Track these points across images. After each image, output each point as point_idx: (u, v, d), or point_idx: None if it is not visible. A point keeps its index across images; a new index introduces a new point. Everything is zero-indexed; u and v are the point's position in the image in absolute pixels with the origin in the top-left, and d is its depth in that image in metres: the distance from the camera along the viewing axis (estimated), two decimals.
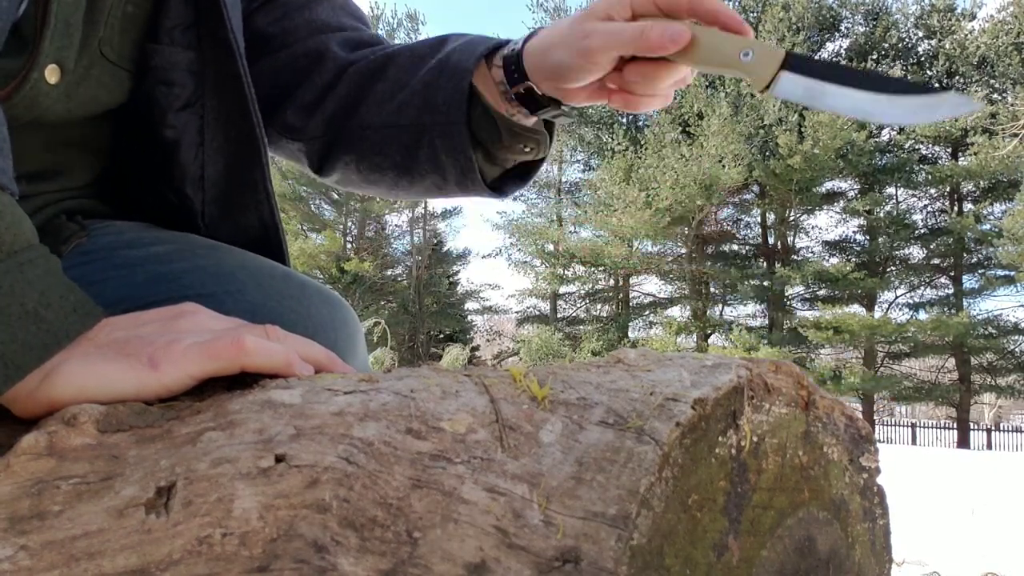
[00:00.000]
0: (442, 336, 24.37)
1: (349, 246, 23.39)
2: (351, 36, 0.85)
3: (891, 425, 23.74)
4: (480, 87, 0.75)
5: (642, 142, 21.01)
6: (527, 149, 0.78)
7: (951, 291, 21.19)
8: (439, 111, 0.75)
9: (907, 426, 23.44)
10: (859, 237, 22.09)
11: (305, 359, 0.49)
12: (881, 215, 20.92)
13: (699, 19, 0.66)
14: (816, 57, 0.63)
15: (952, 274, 21.23)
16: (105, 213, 0.73)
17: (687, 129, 20.56)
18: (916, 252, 21.73)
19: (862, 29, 21.49)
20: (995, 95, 19.76)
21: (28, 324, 0.41)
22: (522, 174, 0.84)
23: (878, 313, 20.84)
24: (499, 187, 0.83)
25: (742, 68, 0.64)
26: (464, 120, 0.75)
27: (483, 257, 32.30)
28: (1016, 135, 18.12)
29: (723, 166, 19.22)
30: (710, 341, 21.13)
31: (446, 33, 0.83)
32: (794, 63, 0.63)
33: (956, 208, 21.08)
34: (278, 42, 0.82)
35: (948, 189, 21.17)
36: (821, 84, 0.63)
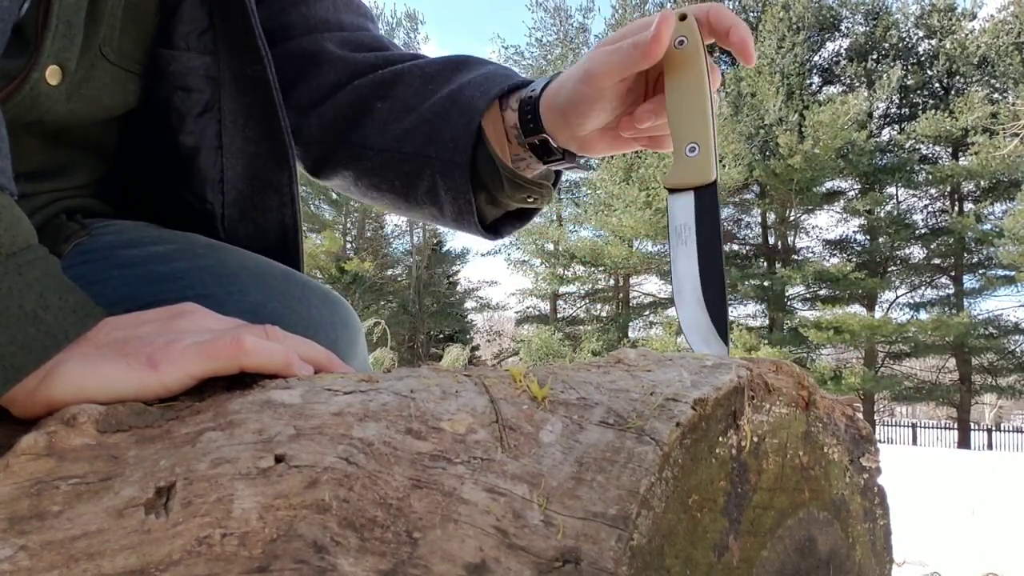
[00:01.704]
0: (442, 336, 24.36)
1: (349, 246, 23.39)
2: (350, 37, 0.83)
3: (892, 425, 23.74)
4: (489, 130, 0.73)
5: None
6: (530, 199, 0.78)
7: (952, 291, 21.18)
8: (445, 147, 0.73)
9: (908, 426, 23.44)
10: (859, 237, 22.09)
11: (305, 359, 0.49)
12: (882, 215, 20.90)
13: (714, 32, 0.64)
14: (720, 212, 0.63)
15: (953, 274, 21.22)
16: (107, 213, 0.72)
17: None
18: (917, 252, 21.74)
19: (862, 29, 21.48)
20: (996, 95, 19.76)
21: (27, 325, 0.41)
22: (521, 214, 0.83)
23: (879, 313, 20.83)
24: (496, 227, 0.81)
25: (678, 155, 0.63)
26: (468, 162, 0.73)
27: (483, 255, 32.33)
28: (1017, 135, 18.11)
29: (723, 165, 19.20)
30: None
31: (464, 55, 0.80)
32: (703, 194, 0.61)
33: (957, 208, 21.07)
34: (273, 37, 0.80)
35: (949, 189, 21.16)
36: (692, 229, 0.61)
